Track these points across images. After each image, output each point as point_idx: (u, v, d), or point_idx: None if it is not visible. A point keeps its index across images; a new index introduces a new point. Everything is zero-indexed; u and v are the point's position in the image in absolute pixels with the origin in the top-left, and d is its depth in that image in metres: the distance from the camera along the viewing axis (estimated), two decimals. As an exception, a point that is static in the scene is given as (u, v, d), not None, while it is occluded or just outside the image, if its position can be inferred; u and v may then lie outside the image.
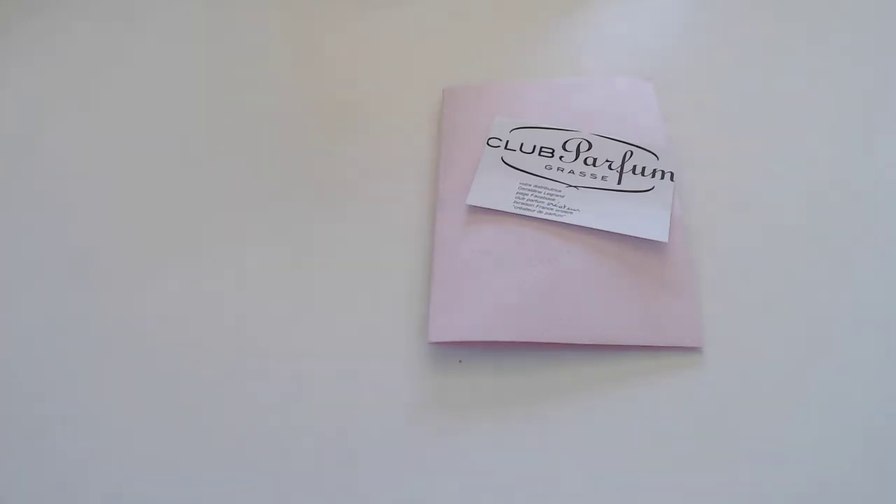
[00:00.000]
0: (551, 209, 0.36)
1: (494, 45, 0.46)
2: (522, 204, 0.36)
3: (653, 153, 0.38)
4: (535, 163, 0.38)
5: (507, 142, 0.39)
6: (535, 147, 0.38)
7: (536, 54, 0.46)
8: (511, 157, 0.38)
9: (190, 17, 0.49)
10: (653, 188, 0.37)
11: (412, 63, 0.45)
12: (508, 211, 0.36)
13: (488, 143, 0.39)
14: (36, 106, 0.43)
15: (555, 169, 0.37)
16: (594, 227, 0.35)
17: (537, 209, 0.36)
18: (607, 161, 0.38)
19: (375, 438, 0.30)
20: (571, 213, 0.36)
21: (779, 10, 0.48)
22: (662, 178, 0.37)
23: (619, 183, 0.37)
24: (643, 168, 0.37)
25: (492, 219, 0.36)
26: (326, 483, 0.29)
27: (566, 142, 0.39)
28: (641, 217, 0.35)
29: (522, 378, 0.31)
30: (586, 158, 0.38)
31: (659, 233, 0.35)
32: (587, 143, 0.38)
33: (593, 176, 0.37)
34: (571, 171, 0.37)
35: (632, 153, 0.38)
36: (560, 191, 0.36)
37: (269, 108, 0.43)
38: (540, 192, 0.36)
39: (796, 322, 0.33)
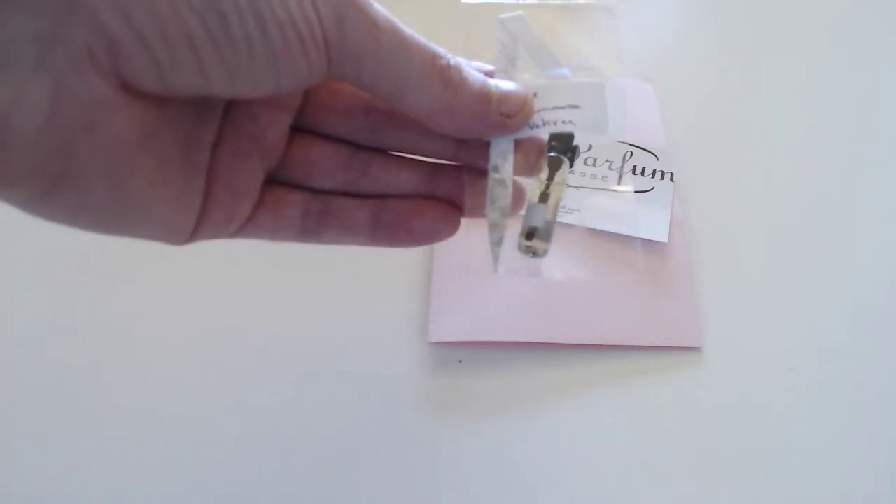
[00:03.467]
0: (551, 209, 0.36)
1: (494, 46, 0.46)
2: (522, 204, 0.36)
3: (653, 153, 0.38)
4: (535, 163, 0.38)
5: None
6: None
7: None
8: (511, 158, 0.38)
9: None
10: (653, 188, 0.37)
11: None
12: (508, 211, 0.36)
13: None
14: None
15: (555, 169, 0.37)
16: (594, 227, 0.35)
17: (537, 209, 0.36)
18: (607, 161, 0.38)
19: (375, 438, 0.30)
20: (571, 213, 0.36)
21: (778, 11, 0.48)
22: (662, 178, 0.37)
23: (618, 183, 0.37)
24: (643, 168, 0.37)
25: (492, 219, 0.36)
26: (327, 483, 0.29)
27: (566, 142, 0.39)
28: (641, 217, 0.35)
29: (522, 378, 0.31)
30: (586, 158, 0.38)
31: (659, 233, 0.35)
32: (587, 144, 0.38)
33: (593, 176, 0.37)
34: (571, 171, 0.37)
35: (632, 153, 0.38)
36: (560, 191, 0.36)
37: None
38: (540, 193, 0.36)
39: (796, 322, 0.33)
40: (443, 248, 0.35)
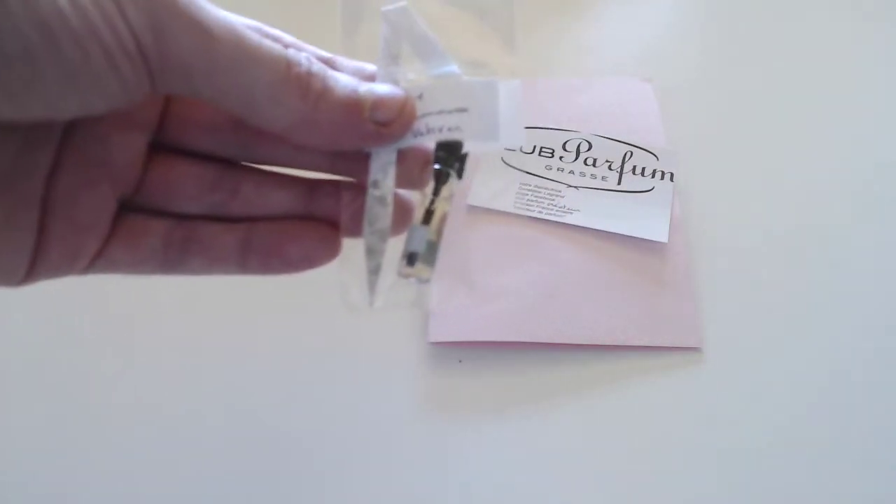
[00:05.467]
0: (551, 209, 0.36)
1: (494, 46, 0.46)
2: (522, 204, 0.36)
3: (653, 153, 0.38)
4: (535, 163, 0.38)
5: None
6: (535, 147, 0.38)
7: (537, 55, 0.46)
8: (511, 158, 0.38)
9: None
10: (653, 188, 0.37)
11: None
12: (508, 211, 0.36)
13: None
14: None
15: (555, 169, 0.37)
16: (594, 227, 0.35)
17: (537, 209, 0.36)
18: (607, 161, 0.38)
19: (375, 438, 0.30)
20: (571, 213, 0.36)
21: (778, 11, 0.48)
22: (662, 178, 0.37)
23: (618, 183, 0.37)
24: (643, 168, 0.37)
25: (492, 219, 0.36)
26: (327, 483, 0.29)
27: (566, 142, 0.39)
28: (641, 217, 0.35)
29: (522, 378, 0.31)
30: (586, 159, 0.38)
31: (659, 233, 0.35)
32: (587, 144, 0.38)
33: (593, 176, 0.37)
34: (571, 172, 0.37)
35: (632, 153, 0.38)
36: (560, 191, 0.36)
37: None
38: (540, 193, 0.36)
39: (796, 322, 0.33)
40: (443, 247, 0.35)
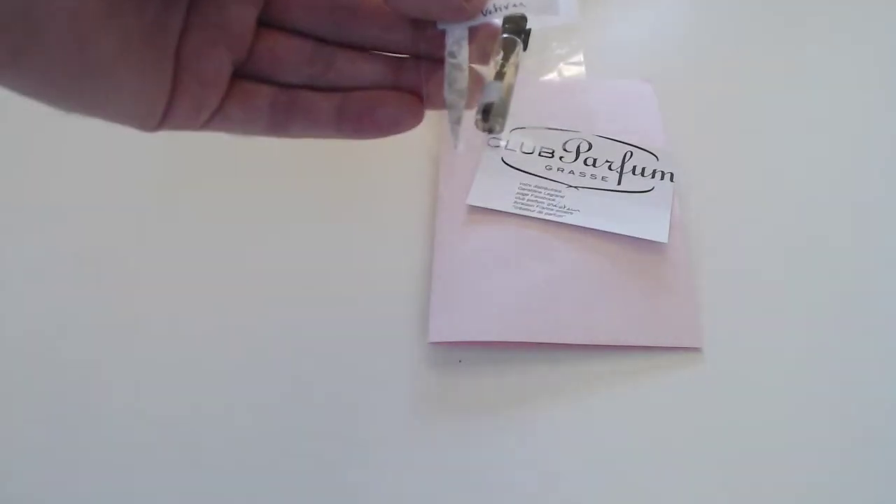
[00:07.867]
0: (551, 209, 0.36)
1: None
2: (523, 204, 0.36)
3: (653, 154, 0.38)
4: (535, 163, 0.38)
5: (508, 142, 0.39)
6: (535, 147, 0.38)
7: (537, 55, 0.46)
8: (511, 158, 0.38)
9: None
10: (652, 189, 0.37)
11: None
12: (508, 211, 0.36)
13: (488, 144, 0.39)
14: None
15: (555, 169, 0.37)
16: (594, 227, 0.35)
17: (537, 209, 0.36)
18: (607, 161, 0.38)
19: (375, 438, 0.30)
20: (571, 213, 0.36)
21: (779, 11, 0.48)
22: (662, 178, 0.37)
23: (618, 183, 0.37)
24: (643, 169, 0.37)
25: (492, 219, 0.36)
26: (326, 483, 0.29)
27: (566, 142, 0.39)
28: (641, 217, 0.35)
29: (522, 378, 0.31)
30: (586, 159, 0.38)
31: (659, 233, 0.35)
32: (587, 144, 0.38)
33: (593, 176, 0.37)
34: (572, 172, 0.37)
35: (632, 154, 0.38)
36: (560, 191, 0.36)
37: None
38: (540, 193, 0.36)
39: (796, 322, 0.33)
40: (443, 247, 0.35)
